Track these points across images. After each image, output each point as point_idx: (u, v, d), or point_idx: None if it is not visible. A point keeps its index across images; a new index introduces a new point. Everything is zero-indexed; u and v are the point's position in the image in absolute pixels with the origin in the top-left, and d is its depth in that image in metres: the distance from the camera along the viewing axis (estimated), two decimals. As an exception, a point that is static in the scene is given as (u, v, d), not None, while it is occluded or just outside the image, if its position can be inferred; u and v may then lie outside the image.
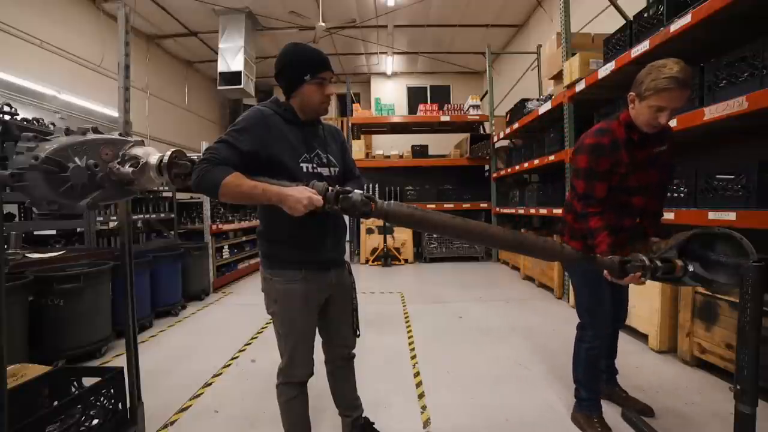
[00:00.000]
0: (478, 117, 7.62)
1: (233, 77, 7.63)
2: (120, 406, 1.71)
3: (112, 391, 1.67)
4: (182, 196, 5.75)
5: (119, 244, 1.81)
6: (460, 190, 7.47)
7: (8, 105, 3.63)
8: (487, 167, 7.68)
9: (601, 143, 1.61)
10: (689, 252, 1.43)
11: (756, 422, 1.15)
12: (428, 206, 6.45)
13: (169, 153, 1.39)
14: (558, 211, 4.50)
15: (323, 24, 6.99)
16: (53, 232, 4.35)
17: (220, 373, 2.59)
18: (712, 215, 2.32)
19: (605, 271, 1.50)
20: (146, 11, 7.41)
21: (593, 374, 1.83)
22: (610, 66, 3.26)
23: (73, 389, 1.74)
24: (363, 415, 1.77)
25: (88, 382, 1.69)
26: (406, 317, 3.79)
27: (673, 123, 2.58)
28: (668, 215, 2.66)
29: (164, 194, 5.03)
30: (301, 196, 1.19)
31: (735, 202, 2.29)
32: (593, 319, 1.77)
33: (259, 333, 3.37)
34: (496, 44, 8.99)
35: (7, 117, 3.55)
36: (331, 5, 7.42)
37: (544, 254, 1.39)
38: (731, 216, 2.20)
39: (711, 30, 2.47)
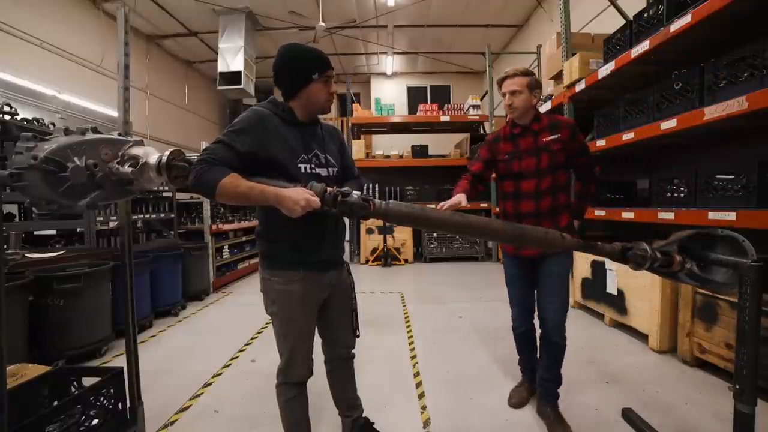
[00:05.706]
0: (478, 117, 7.61)
1: (233, 77, 7.64)
2: (120, 406, 1.71)
3: (112, 391, 1.67)
4: (182, 196, 5.75)
5: (119, 244, 1.82)
6: (460, 190, 7.44)
7: (8, 105, 3.64)
8: (487, 167, 7.66)
9: (486, 139, 2.10)
10: (689, 250, 1.44)
11: (755, 422, 1.15)
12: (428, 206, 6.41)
13: (167, 153, 1.38)
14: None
15: (323, 24, 6.99)
16: (53, 232, 4.35)
17: (220, 373, 2.59)
18: (712, 215, 2.32)
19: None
20: (146, 11, 7.41)
21: (519, 346, 2.19)
22: (610, 66, 3.26)
23: (73, 389, 1.74)
24: (363, 415, 1.77)
25: (88, 382, 1.69)
26: (406, 317, 3.79)
27: (672, 123, 2.59)
28: (668, 215, 2.67)
29: (164, 194, 5.03)
30: (299, 197, 1.18)
31: (735, 202, 2.29)
32: (511, 305, 2.13)
33: (259, 333, 3.37)
34: (496, 44, 8.99)
35: (6, 117, 3.55)
36: (331, 5, 7.42)
37: (545, 245, 1.40)
38: (731, 216, 2.20)
39: (711, 30, 2.47)
